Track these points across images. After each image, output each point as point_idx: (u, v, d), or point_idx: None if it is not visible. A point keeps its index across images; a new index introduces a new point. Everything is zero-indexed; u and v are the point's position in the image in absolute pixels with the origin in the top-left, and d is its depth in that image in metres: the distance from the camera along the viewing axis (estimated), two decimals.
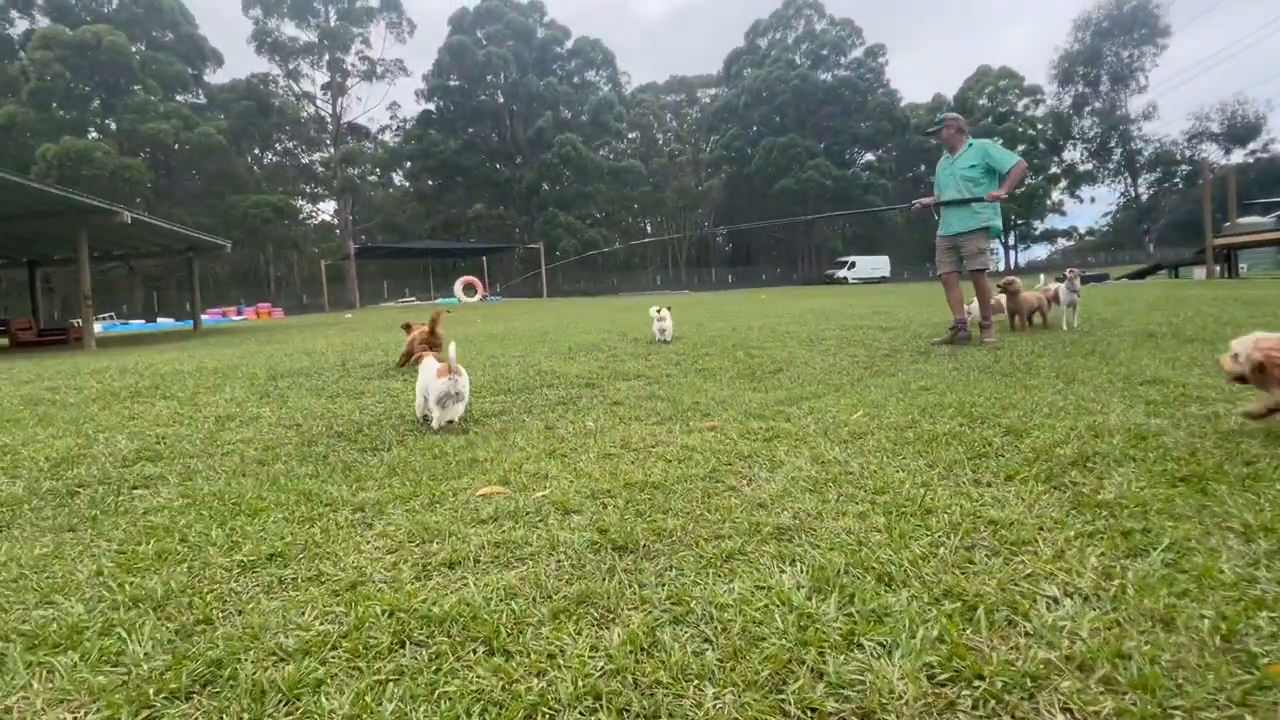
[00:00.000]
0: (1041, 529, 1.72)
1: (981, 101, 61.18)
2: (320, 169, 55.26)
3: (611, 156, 58.88)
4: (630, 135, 63.69)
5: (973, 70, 62.46)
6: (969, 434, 2.73)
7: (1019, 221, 62.74)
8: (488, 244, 48.20)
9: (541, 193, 54.70)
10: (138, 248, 19.15)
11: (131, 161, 42.65)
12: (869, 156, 63.09)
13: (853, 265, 51.20)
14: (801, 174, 54.79)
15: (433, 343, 5.58)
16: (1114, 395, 3.30)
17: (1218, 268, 22.16)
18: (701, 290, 49.77)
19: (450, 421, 3.39)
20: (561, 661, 1.21)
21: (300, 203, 56.10)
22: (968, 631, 1.24)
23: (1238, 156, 56.54)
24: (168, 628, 1.41)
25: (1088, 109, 61.43)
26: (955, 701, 1.05)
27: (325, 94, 54.48)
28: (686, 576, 1.54)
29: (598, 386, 4.56)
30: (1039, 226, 65.15)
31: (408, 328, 5.85)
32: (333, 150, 53.70)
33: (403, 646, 1.29)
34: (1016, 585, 1.41)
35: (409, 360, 5.60)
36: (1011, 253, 66.02)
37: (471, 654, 1.25)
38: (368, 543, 1.86)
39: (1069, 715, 1.01)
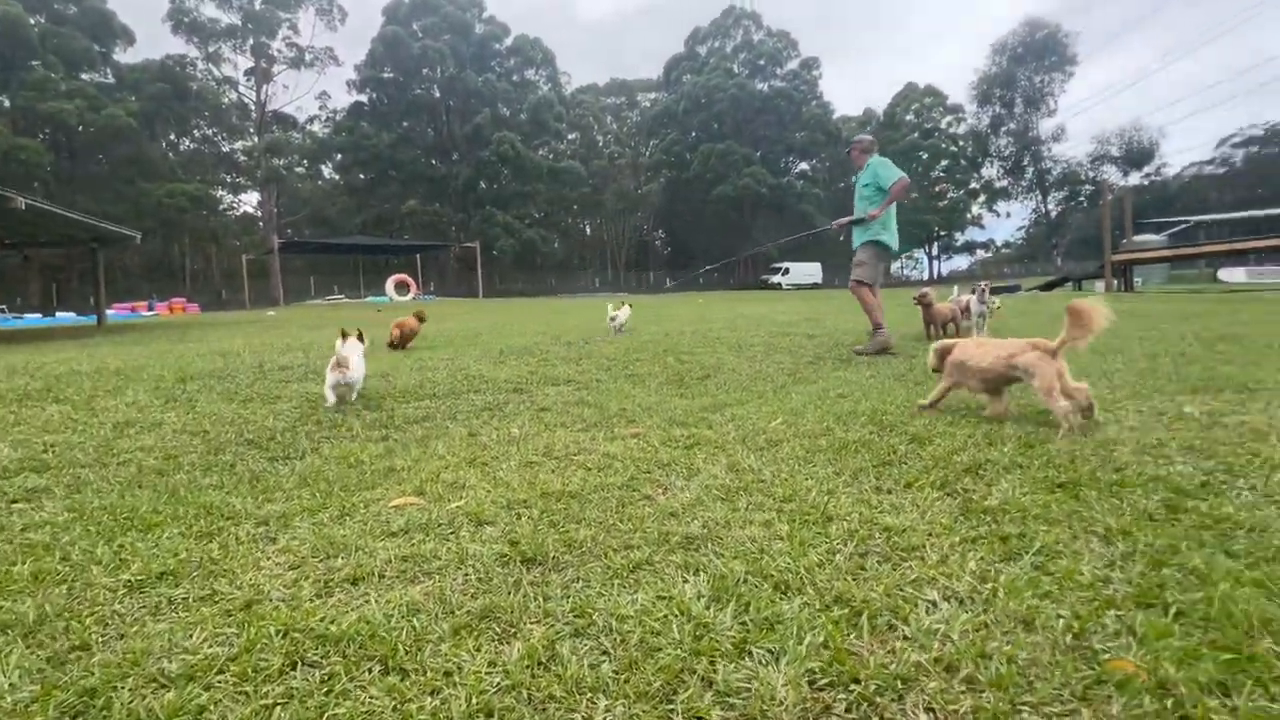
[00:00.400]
0: (931, 535, 1.82)
1: (908, 117, 64.07)
2: (243, 158, 52.72)
3: (551, 156, 58.46)
4: (570, 136, 63.41)
5: (901, 86, 65.39)
6: (878, 441, 2.86)
7: (941, 233, 66.00)
8: (422, 241, 46.98)
9: (479, 190, 53.82)
10: (34, 236, 17.73)
11: (28, 142, 39.57)
12: (803, 166, 64.88)
13: (787, 271, 52.49)
14: (739, 181, 55.85)
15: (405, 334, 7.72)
16: (1011, 404, 3.52)
17: (1115, 282, 23.88)
18: (640, 293, 50.01)
19: (341, 400, 4.02)
20: (457, 679, 1.21)
21: (220, 193, 53.32)
22: (851, 636, 1.31)
23: (1135, 179, 61.13)
24: (38, 655, 1.33)
25: (1003, 129, 65.13)
26: (831, 705, 1.11)
27: (249, 80, 52.04)
28: (592, 588, 1.56)
29: (526, 392, 4.53)
30: (960, 238, 68.65)
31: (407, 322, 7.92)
32: (256, 139, 51.26)
33: (294, 668, 1.26)
34: (901, 590, 1.50)
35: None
36: (935, 263, 69.36)
37: (366, 674, 1.24)
38: (269, 558, 1.80)
39: (932, 714, 1.08)
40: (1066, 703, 1.09)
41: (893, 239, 6.18)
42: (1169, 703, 1.08)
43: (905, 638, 1.30)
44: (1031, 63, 62.43)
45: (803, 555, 1.69)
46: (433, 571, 1.68)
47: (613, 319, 8.67)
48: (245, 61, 51.56)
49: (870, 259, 6.23)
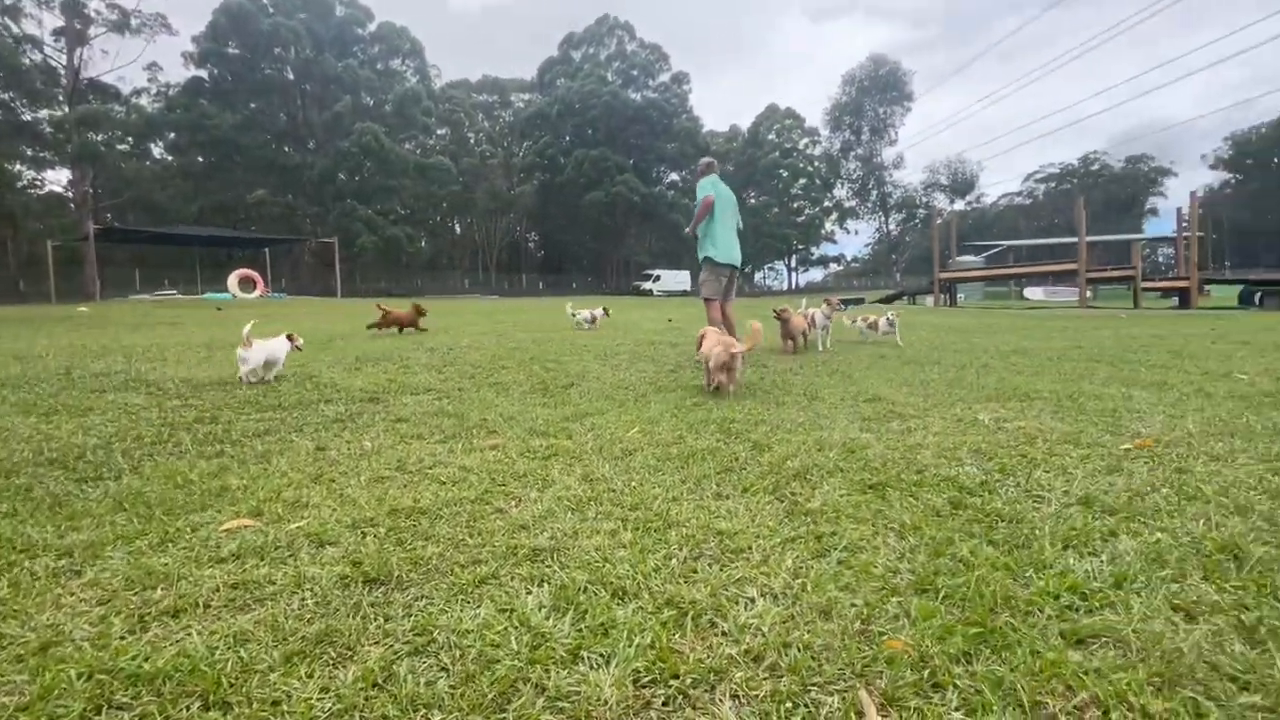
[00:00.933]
0: (758, 537, 2.01)
1: (770, 137, 68.29)
2: (48, 129, 45.75)
3: (419, 152, 56.02)
4: (440, 131, 61.13)
5: (763, 108, 69.59)
6: (723, 449, 3.07)
7: (799, 247, 70.93)
8: (272, 235, 43.23)
9: (337, 183, 50.42)
10: None
11: None
12: (674, 176, 66.91)
13: (658, 278, 53.94)
14: (611, 187, 56.58)
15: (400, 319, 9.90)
16: (842, 412, 3.91)
17: (943, 297, 26.83)
18: (512, 296, 49.24)
19: (253, 381, 4.85)
20: (286, 707, 1.20)
21: (18, 168, 45.99)
22: (677, 636, 1.44)
23: (960, 205, 69.40)
24: None
25: (853, 154, 71.39)
26: (651, 701, 1.22)
27: (58, 41, 45.31)
28: (435, 605, 1.58)
29: (382, 401, 4.37)
30: (815, 253, 74.10)
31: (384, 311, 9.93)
32: (67, 109, 44.75)
33: (99, 712, 1.19)
34: (726, 590, 1.66)
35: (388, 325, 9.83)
36: (793, 274, 74.32)
37: (184, 711, 1.19)
38: (72, 594, 1.65)
39: (736, 700, 1.23)
40: (848, 680, 1.28)
41: (717, 251, 6.59)
42: (926, 672, 1.29)
43: (723, 633, 1.45)
44: (877, 95, 68.88)
45: (642, 561, 1.81)
46: (265, 598, 1.62)
47: (574, 315, 10.88)
48: (53, 19, 44.87)
49: (707, 275, 6.68)
